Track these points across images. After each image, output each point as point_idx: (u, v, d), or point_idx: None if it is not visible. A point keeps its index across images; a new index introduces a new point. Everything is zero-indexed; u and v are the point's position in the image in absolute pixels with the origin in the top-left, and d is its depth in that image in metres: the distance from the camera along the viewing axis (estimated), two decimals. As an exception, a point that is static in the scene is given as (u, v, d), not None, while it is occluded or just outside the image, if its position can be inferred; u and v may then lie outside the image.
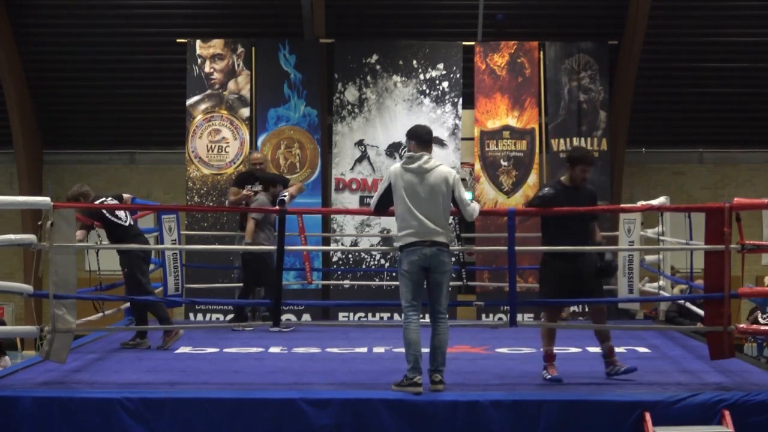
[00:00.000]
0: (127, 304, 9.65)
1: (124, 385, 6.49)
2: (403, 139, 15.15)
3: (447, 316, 6.46)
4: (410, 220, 6.35)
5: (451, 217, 7.17)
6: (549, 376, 6.78)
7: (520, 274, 13.75)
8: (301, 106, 15.11)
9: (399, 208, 6.45)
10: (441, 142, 14.78)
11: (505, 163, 14.95)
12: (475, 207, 6.67)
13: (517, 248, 6.85)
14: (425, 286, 6.43)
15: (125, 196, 9.32)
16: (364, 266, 14.43)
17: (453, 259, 6.89)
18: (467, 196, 6.65)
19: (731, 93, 17.42)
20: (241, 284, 10.36)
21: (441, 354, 6.36)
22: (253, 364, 7.70)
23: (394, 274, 14.47)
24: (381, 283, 14.14)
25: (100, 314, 8.64)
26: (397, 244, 6.49)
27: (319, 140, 15.17)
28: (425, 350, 6.33)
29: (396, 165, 6.58)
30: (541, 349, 6.97)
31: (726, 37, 16.82)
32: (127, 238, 8.49)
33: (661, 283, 10.80)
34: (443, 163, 6.66)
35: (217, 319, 14.17)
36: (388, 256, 14.49)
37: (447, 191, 6.43)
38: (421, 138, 6.60)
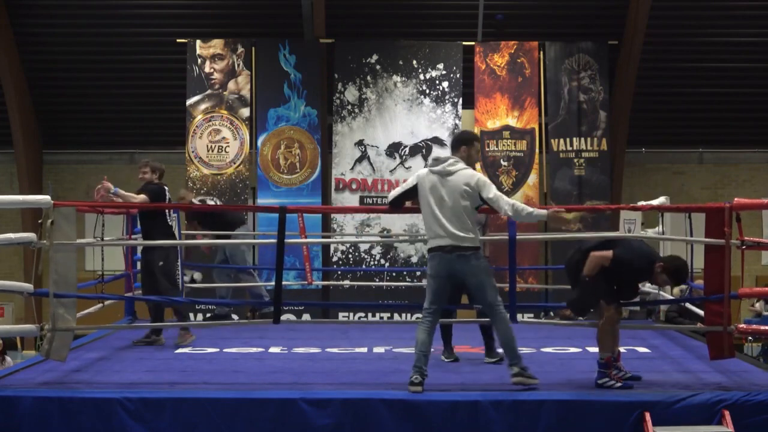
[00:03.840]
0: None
1: (124, 385, 6.48)
2: (403, 139, 15.40)
3: (501, 307, 6.35)
4: (433, 225, 6.32)
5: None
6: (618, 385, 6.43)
7: (520, 274, 13.76)
8: (301, 106, 15.12)
9: (424, 211, 6.43)
10: (441, 142, 14.83)
11: (505, 163, 14.96)
12: (512, 202, 6.31)
13: (518, 242, 6.86)
14: (464, 294, 6.41)
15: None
16: (364, 266, 14.43)
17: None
18: (500, 194, 6.32)
19: (731, 93, 17.42)
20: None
21: (508, 349, 6.34)
22: (253, 364, 7.69)
23: (394, 274, 14.49)
24: (381, 283, 14.14)
25: (100, 306, 8.63)
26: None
27: (319, 140, 15.18)
28: (433, 350, 6.34)
29: (425, 168, 6.55)
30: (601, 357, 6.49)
31: (726, 37, 16.82)
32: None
33: (661, 283, 10.78)
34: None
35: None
36: (388, 256, 14.48)
37: (471, 194, 6.29)
38: (461, 140, 6.56)
